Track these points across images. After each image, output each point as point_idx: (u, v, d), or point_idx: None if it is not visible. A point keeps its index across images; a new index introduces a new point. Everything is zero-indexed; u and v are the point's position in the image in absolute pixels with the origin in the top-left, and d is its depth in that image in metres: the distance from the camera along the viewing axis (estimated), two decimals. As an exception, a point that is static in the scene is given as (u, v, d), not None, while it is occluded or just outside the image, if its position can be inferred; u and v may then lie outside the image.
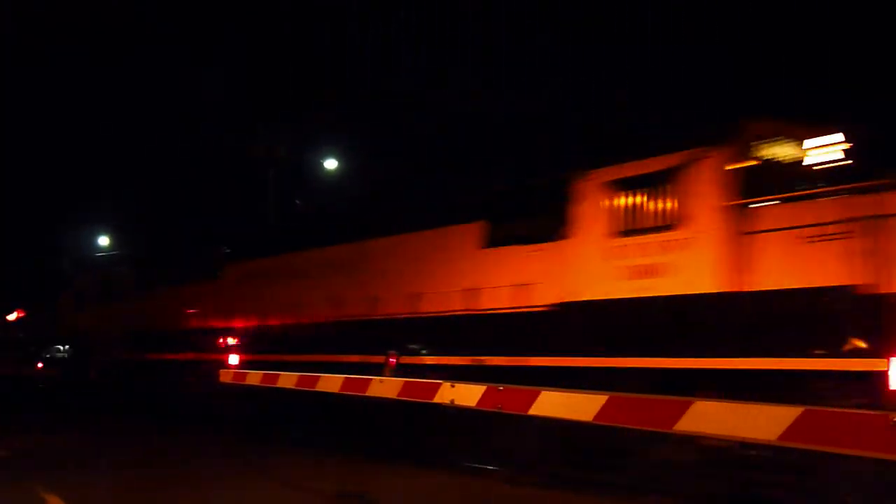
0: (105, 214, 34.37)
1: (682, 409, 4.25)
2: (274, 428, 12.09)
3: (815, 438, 3.78)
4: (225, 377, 11.19)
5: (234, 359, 11.66)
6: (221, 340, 13.76)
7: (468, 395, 5.93)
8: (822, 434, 3.74)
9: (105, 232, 34.52)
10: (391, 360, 9.22)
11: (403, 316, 10.24)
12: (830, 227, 6.20)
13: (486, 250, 9.29)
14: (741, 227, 6.84)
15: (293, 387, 9.12)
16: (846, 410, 3.69)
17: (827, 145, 7.25)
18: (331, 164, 25.30)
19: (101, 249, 33.50)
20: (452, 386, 6.11)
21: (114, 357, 18.17)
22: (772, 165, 7.37)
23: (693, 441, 6.48)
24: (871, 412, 3.57)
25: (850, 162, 7.17)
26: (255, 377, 10.40)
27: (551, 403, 5.07)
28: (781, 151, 7.50)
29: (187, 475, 9.34)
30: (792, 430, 3.81)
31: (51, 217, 37.26)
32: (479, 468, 9.21)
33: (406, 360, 9.55)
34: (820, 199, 6.55)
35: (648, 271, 7.48)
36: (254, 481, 8.87)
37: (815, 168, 7.38)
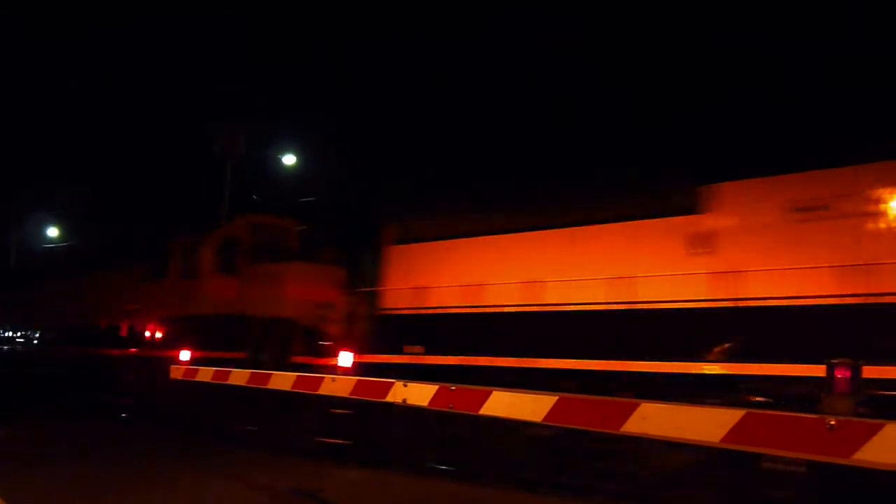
0: (53, 206, 33.58)
1: (630, 411, 4.31)
2: (227, 426, 11.94)
3: (757, 440, 3.87)
4: (175, 373, 11.00)
5: (185, 354, 11.45)
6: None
7: (420, 394, 5.92)
8: (763, 436, 3.83)
9: (54, 223, 33.70)
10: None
11: None
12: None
13: None
14: None
15: (245, 384, 9.01)
16: (786, 413, 3.79)
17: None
18: (289, 159, 25.04)
19: (51, 241, 32.70)
20: (405, 385, 6.10)
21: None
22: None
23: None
24: (810, 415, 3.66)
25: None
26: (206, 374, 10.25)
27: (502, 403, 5.10)
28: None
29: (139, 472, 9.18)
30: (734, 432, 3.90)
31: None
32: (435, 468, 9.22)
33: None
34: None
35: None
36: (207, 479, 8.75)
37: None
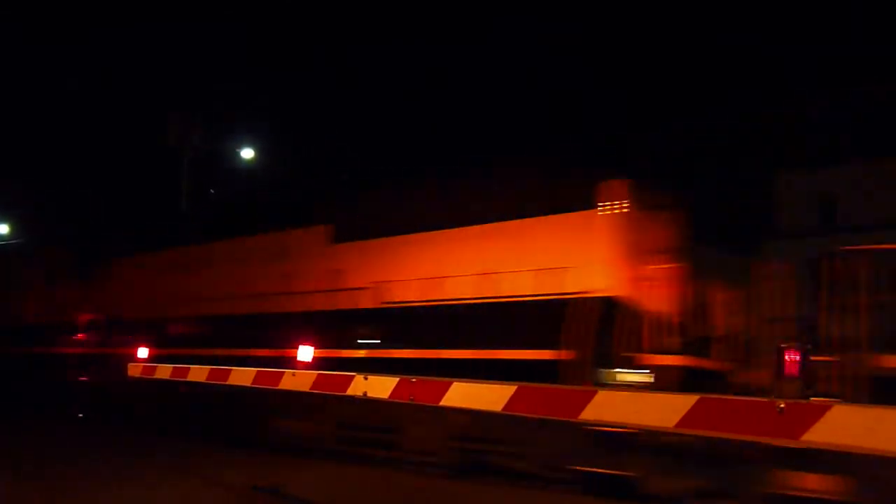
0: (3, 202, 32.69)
1: (587, 399, 4.39)
2: (185, 424, 11.80)
3: (710, 424, 3.96)
4: (133, 371, 10.87)
5: (142, 352, 11.28)
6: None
7: (381, 387, 5.94)
8: (716, 420, 3.92)
9: (4, 220, 32.82)
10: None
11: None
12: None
13: None
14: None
15: (204, 380, 8.95)
16: (737, 398, 3.89)
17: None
18: (247, 153, 24.74)
19: (1, 238, 31.87)
20: (366, 378, 6.12)
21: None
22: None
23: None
24: (760, 399, 3.77)
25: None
26: (164, 371, 10.15)
27: (462, 394, 5.14)
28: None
29: (98, 471, 9.04)
30: (688, 418, 3.99)
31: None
32: (397, 460, 9.24)
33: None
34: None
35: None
36: (166, 477, 8.64)
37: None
